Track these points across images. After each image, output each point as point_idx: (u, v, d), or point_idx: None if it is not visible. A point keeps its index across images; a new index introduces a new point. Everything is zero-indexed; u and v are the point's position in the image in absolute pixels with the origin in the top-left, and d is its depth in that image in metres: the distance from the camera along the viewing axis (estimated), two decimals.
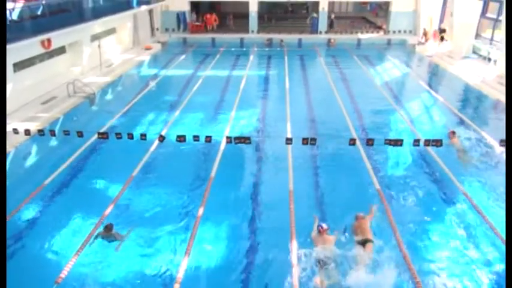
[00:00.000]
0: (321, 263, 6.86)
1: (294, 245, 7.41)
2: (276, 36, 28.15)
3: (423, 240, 7.75)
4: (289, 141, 8.83)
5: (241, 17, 31.45)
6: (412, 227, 8.07)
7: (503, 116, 13.88)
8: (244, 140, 8.21)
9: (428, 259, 7.27)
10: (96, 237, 7.54)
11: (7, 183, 7.23)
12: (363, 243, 7.19)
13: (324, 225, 7.39)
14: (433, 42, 24.70)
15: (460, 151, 10.94)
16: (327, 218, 8.22)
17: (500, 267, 7.01)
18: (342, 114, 14.06)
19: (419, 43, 25.63)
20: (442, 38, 23.20)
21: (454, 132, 11.41)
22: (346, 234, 7.69)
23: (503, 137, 8.58)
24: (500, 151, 10.53)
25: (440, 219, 8.40)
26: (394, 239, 7.62)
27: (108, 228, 7.50)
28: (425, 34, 25.76)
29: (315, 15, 29.80)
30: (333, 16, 30.75)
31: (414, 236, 7.83)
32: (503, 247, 7.33)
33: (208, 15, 30.42)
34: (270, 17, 33.45)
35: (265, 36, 28.39)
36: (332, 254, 7.02)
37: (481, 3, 21.77)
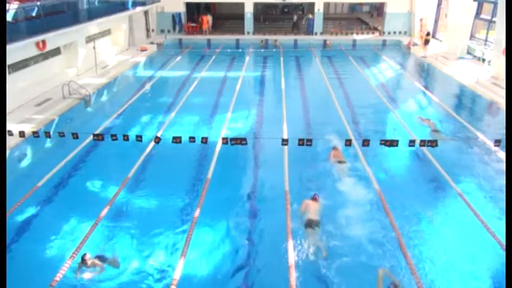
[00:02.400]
0: (311, 225, 7.88)
1: (291, 245, 7.42)
2: (271, 37, 28.23)
3: (423, 239, 7.80)
4: (285, 142, 8.82)
5: (236, 18, 31.52)
6: (410, 227, 8.11)
7: (498, 116, 14.02)
8: (240, 141, 8.19)
9: (427, 259, 7.29)
10: (79, 269, 6.92)
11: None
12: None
13: (317, 197, 8.58)
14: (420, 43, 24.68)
15: (433, 131, 12.46)
16: (325, 217, 8.24)
17: (497, 266, 7.06)
18: (338, 115, 14.09)
19: (414, 44, 25.71)
20: (427, 41, 23.20)
21: (423, 119, 13.32)
22: None
23: (498, 137, 8.65)
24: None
25: (438, 219, 8.44)
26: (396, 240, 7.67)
27: (85, 259, 6.85)
28: (421, 26, 25.77)
29: (310, 16, 29.89)
30: (295, 18, 31.12)
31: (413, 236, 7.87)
32: (500, 248, 7.38)
33: (203, 16, 30.43)
34: (266, 18, 33.52)
35: (261, 37, 28.43)
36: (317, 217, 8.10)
37: (475, 4, 21.92)
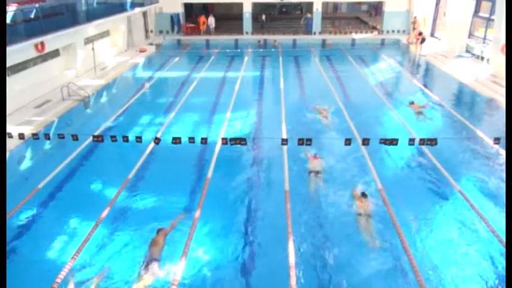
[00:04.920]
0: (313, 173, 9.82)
1: (291, 245, 7.42)
2: (270, 37, 28.24)
3: (424, 238, 7.80)
4: (284, 141, 8.84)
5: (234, 18, 31.48)
6: (412, 226, 8.11)
7: (497, 114, 14.03)
8: (239, 141, 8.20)
9: (429, 257, 7.30)
10: None
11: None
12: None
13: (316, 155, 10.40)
14: (415, 43, 24.73)
15: (418, 114, 13.91)
16: (324, 217, 8.24)
17: (496, 265, 7.06)
18: (338, 114, 14.09)
19: (412, 42, 25.72)
20: (422, 40, 23.37)
21: (412, 102, 14.69)
22: None
23: (497, 134, 8.66)
24: None
25: (438, 219, 8.45)
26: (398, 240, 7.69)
27: None
28: (413, 23, 25.87)
29: (309, 15, 29.90)
30: (263, 17, 30.98)
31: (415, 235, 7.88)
32: (500, 245, 7.39)
33: (201, 17, 30.35)
34: (264, 18, 33.47)
35: (259, 37, 28.43)
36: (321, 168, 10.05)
37: (474, 3, 21.92)
